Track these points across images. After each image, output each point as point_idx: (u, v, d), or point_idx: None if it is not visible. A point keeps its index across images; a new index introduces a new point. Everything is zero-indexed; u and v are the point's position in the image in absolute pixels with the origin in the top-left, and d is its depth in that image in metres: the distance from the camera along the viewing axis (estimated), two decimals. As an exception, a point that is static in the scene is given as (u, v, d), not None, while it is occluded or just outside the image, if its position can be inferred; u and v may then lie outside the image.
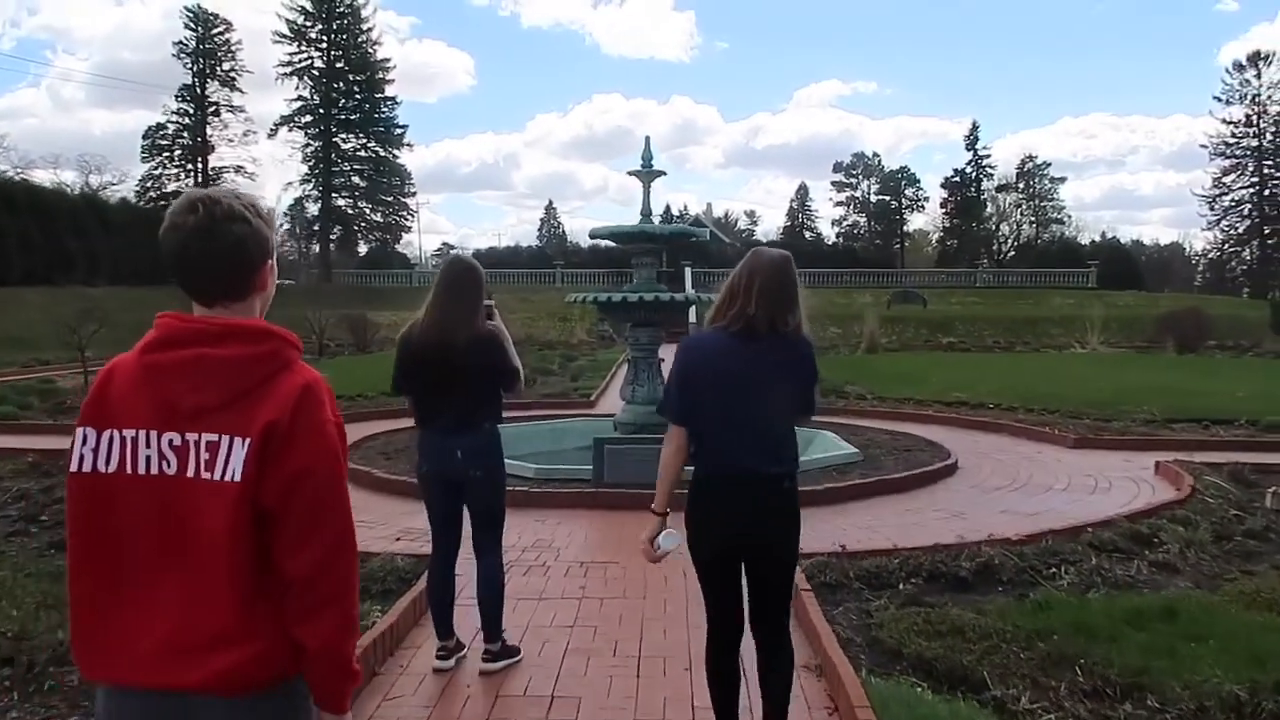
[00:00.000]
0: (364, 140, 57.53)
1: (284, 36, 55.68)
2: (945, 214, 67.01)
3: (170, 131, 54.99)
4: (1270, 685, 3.45)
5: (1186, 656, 3.75)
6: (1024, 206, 66.99)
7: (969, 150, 65.36)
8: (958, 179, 65.60)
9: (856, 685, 3.39)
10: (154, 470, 1.50)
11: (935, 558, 5.11)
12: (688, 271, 38.55)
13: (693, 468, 2.94)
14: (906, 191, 70.63)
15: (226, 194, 1.60)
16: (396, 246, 61.71)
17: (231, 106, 55.78)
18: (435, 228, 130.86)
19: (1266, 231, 58.16)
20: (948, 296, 41.10)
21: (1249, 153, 58.09)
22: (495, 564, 3.89)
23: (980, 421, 11.46)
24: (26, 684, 3.57)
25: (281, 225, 53.44)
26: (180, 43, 54.81)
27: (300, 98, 56.17)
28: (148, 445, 1.50)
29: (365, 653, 3.63)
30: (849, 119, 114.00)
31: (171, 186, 54.24)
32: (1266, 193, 58.02)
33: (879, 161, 73.35)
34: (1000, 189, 66.23)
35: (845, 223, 71.88)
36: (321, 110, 56.13)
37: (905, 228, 71.80)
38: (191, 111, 54.93)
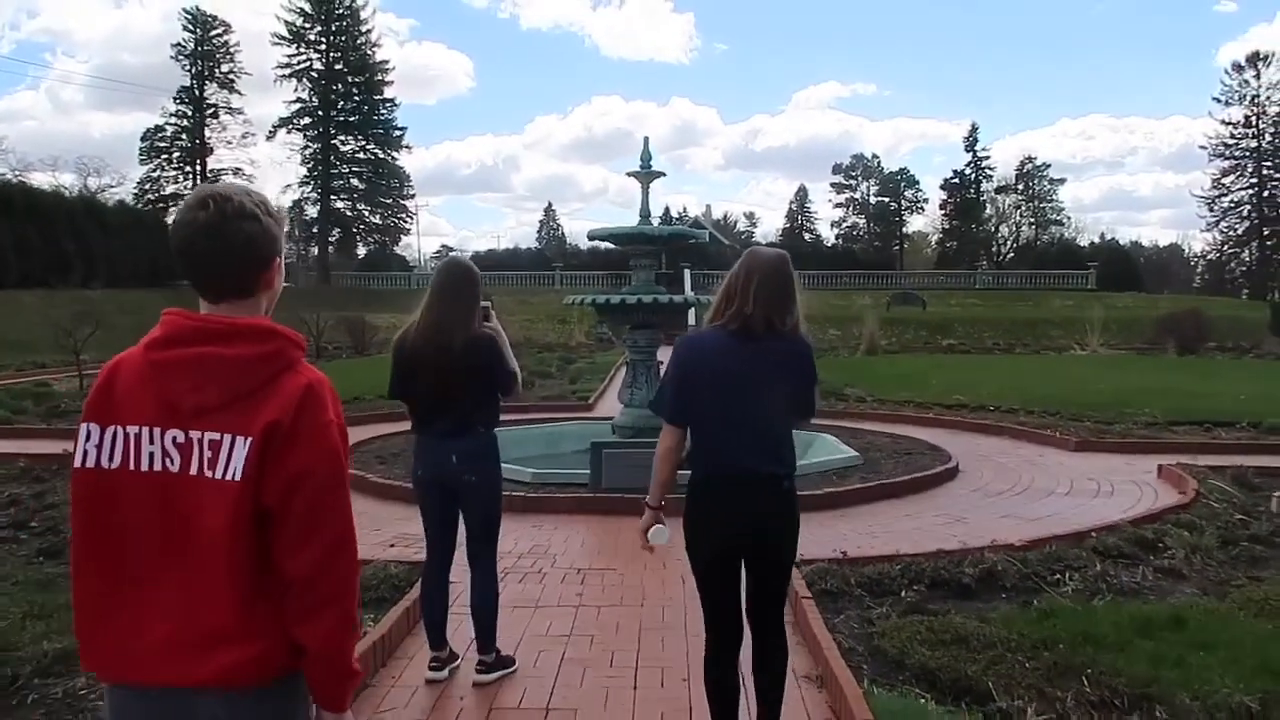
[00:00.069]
0: (363, 142, 57.53)
1: (283, 38, 55.76)
2: (944, 215, 67.01)
3: (168, 134, 55.08)
4: (1282, 696, 3.37)
5: (1195, 666, 3.68)
6: (1023, 208, 67.03)
7: (968, 152, 65.48)
8: (957, 180, 65.61)
9: (859, 697, 3.31)
10: (157, 467, 1.51)
11: (938, 564, 5.04)
12: (687, 274, 38.47)
13: (690, 470, 2.91)
14: (906, 193, 70.64)
15: (238, 191, 1.60)
16: (395, 249, 61.88)
17: (230, 109, 55.95)
18: (435, 230, 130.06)
19: (1266, 233, 58.15)
20: (947, 298, 41.09)
21: (1248, 154, 58.11)
22: (490, 574, 3.82)
23: (981, 424, 11.39)
24: (9, 697, 3.49)
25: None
26: (179, 45, 54.95)
27: (299, 100, 56.30)
28: (151, 442, 1.51)
29: (358, 661, 3.55)
30: (848, 121, 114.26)
31: (170, 189, 54.32)
32: (1265, 194, 58.04)
33: (878, 163, 73.45)
34: (999, 190, 66.30)
35: (844, 224, 71.93)
36: (320, 112, 56.12)
37: (904, 229, 71.86)
38: (190, 114, 54.95)
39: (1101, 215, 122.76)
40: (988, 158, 65.78)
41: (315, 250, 58.33)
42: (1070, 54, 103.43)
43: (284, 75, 55.85)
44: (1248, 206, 58.83)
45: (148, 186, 54.26)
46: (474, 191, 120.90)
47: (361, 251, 60.39)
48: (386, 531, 6.09)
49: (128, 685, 1.54)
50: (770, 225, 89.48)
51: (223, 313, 1.57)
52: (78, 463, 1.54)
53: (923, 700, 3.46)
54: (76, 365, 15.72)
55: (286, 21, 55.50)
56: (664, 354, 4.42)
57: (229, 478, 1.48)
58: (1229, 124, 57.81)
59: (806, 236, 70.64)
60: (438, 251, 69.03)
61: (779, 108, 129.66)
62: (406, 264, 58.53)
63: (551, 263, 52.41)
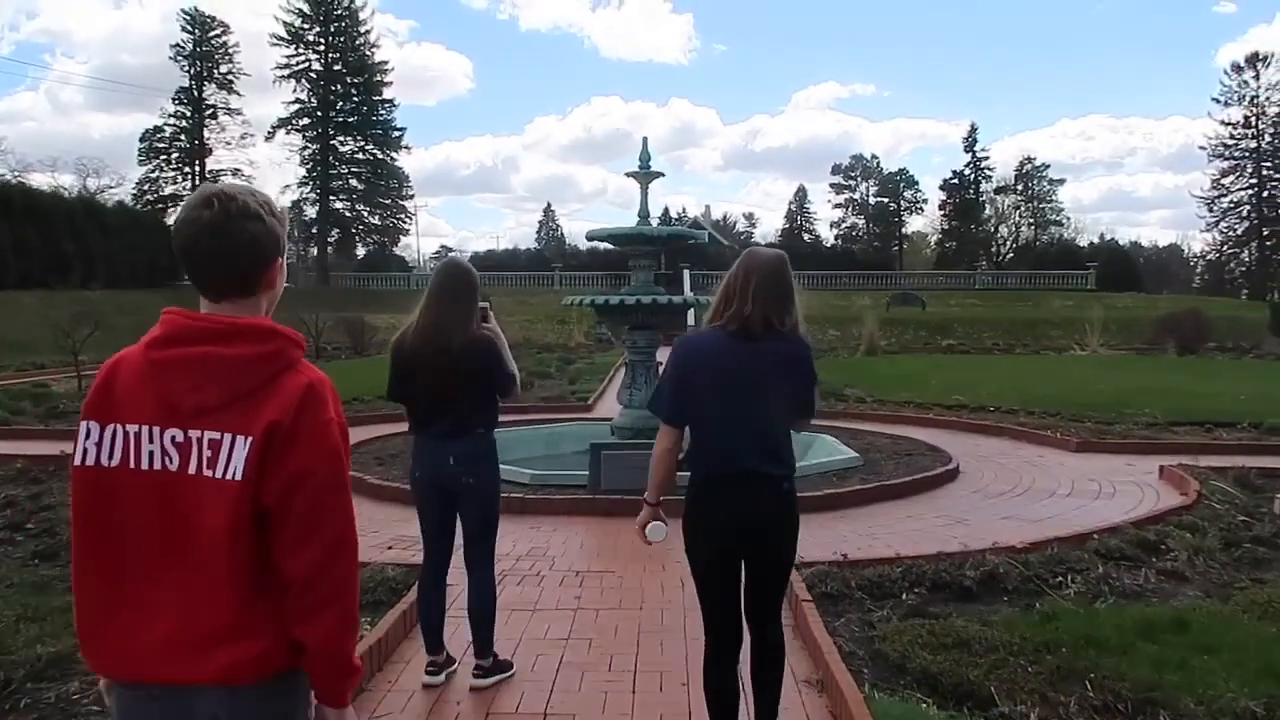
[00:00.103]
0: (362, 143, 57.46)
1: (281, 39, 55.71)
2: (944, 216, 66.95)
3: (167, 135, 55.05)
4: (1287, 701, 3.34)
5: (1199, 670, 3.65)
6: (1022, 208, 66.94)
7: (967, 152, 65.39)
8: (956, 181, 65.56)
9: (860, 702, 3.28)
10: (157, 466, 1.51)
11: (938, 566, 5.00)
12: (686, 274, 38.44)
13: (689, 471, 2.89)
14: (905, 193, 70.59)
15: (242, 190, 1.60)
16: (394, 249, 61.79)
17: (229, 109, 55.93)
18: (434, 230, 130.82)
19: (1265, 233, 58.14)
20: (946, 298, 41.06)
21: (1247, 154, 58.10)
22: (487, 578, 3.78)
23: (981, 425, 11.36)
24: (1, 701, 3.46)
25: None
26: (178, 45, 54.91)
27: (298, 100, 56.23)
28: (151, 441, 1.51)
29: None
30: (847, 121, 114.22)
31: (169, 190, 54.29)
32: (1265, 194, 58.02)
33: (877, 164, 73.38)
34: (999, 191, 66.21)
35: (844, 225, 71.86)
36: (319, 113, 56.08)
37: (904, 230, 71.81)
38: (189, 114, 54.91)
39: (1101, 216, 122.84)
40: (987, 158, 65.82)
41: (314, 251, 58.30)
42: (1070, 54, 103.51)
43: (283, 76, 55.88)
44: (1247, 207, 58.82)
45: (147, 187, 54.23)
46: (473, 192, 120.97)
47: (361, 252, 60.33)
48: (384, 533, 6.06)
49: (129, 683, 1.54)
50: (769, 226, 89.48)
51: (223, 312, 1.57)
52: (77, 460, 1.54)
53: (924, 705, 3.43)
54: (75, 366, 15.69)
55: (285, 22, 55.53)
56: (663, 355, 4.39)
57: (229, 477, 1.47)
58: (1228, 124, 57.86)
59: (806, 237, 70.57)
60: (437, 252, 69.08)
61: (778, 108, 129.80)
62: (406, 265, 58.48)
63: (550, 263, 52.32)
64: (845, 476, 7.90)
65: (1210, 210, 59.69)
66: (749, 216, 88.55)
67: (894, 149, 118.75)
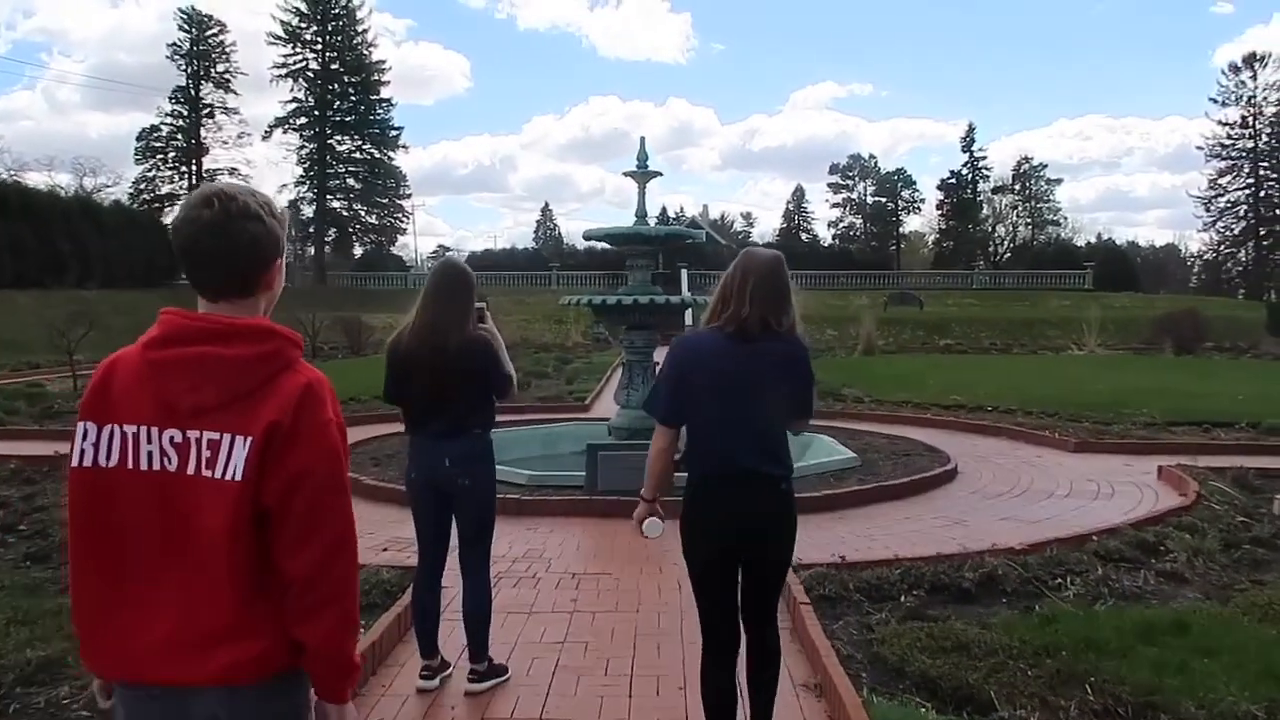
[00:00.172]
0: (359, 142, 57.33)
1: (278, 38, 55.55)
2: (941, 216, 66.92)
3: (164, 134, 54.89)
4: (1288, 705, 3.31)
5: (1199, 673, 3.62)
6: (1020, 208, 66.94)
7: (965, 152, 65.37)
8: (954, 181, 65.56)
9: (858, 706, 3.25)
10: (155, 466, 1.50)
11: (937, 568, 4.97)
12: (684, 274, 38.41)
13: (687, 472, 2.88)
14: (902, 193, 70.54)
15: (242, 191, 1.60)
16: (392, 249, 61.68)
17: (226, 108, 55.76)
18: (431, 230, 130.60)
19: (1262, 233, 58.23)
20: (944, 298, 41.06)
21: (1244, 154, 58.16)
22: (483, 582, 3.75)
23: (979, 425, 11.34)
24: (-9, 707, 3.42)
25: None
26: (174, 45, 54.77)
27: (295, 100, 56.05)
28: (149, 441, 1.51)
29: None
30: (845, 121, 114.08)
31: (165, 189, 54.17)
32: (1262, 194, 58.11)
33: (875, 163, 73.29)
34: (996, 191, 66.22)
35: (841, 224, 71.79)
36: (316, 112, 55.95)
37: (901, 229, 71.77)
38: (185, 114, 54.78)
39: (1098, 215, 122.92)
40: (984, 158, 65.79)
41: (311, 250, 58.17)
42: (1067, 55, 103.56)
43: (280, 75, 55.70)
44: (1244, 207, 58.89)
45: (143, 186, 54.04)
46: (471, 191, 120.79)
47: (358, 251, 60.23)
48: (379, 535, 6.02)
49: (129, 683, 1.54)
50: (767, 225, 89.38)
51: (221, 312, 1.57)
52: (74, 462, 1.53)
53: (924, 709, 3.39)
54: (70, 366, 15.63)
55: (282, 21, 55.37)
56: (661, 354, 4.36)
57: (229, 477, 1.47)
58: (1225, 125, 57.90)
59: (803, 236, 70.53)
60: (434, 251, 68.89)
61: (776, 108, 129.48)
62: (403, 264, 58.42)
63: (548, 263, 52.28)
64: (843, 477, 7.87)
65: (1207, 210, 59.81)
66: (747, 216, 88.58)
67: (891, 149, 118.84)
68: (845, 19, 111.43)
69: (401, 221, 60.90)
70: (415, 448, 3.77)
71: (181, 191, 53.41)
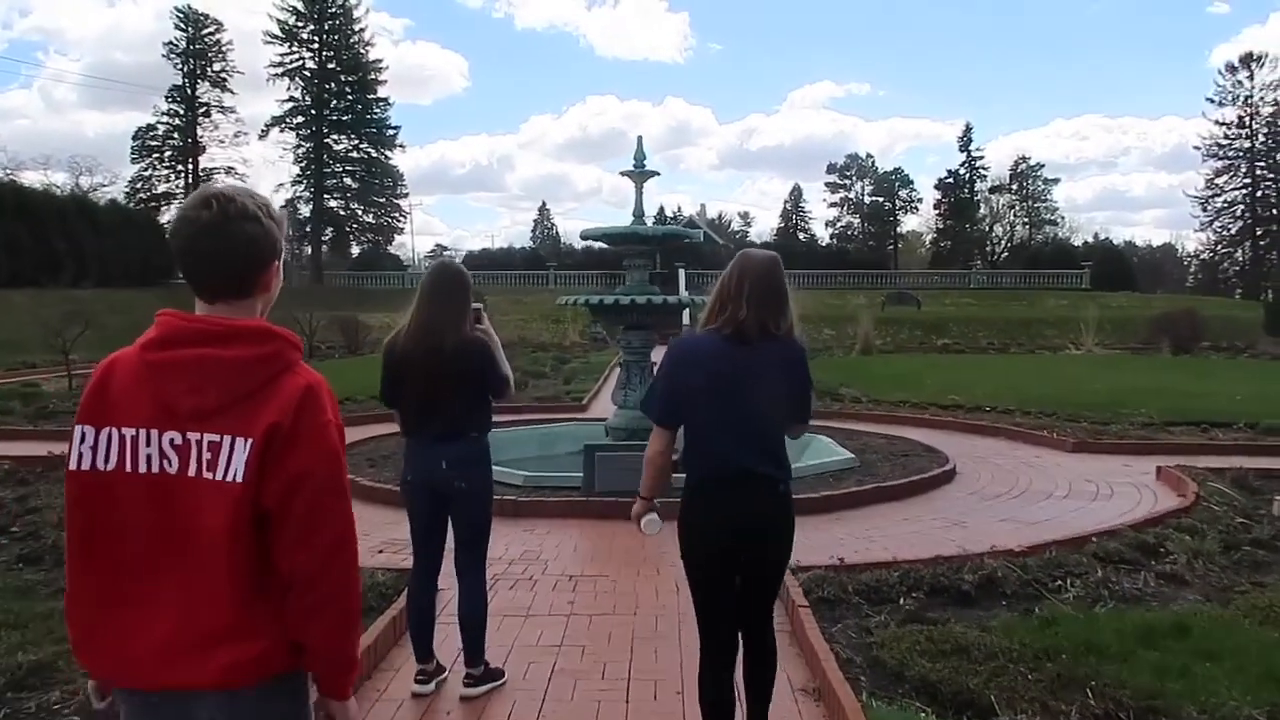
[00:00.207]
0: (356, 141, 57.25)
1: (275, 37, 55.43)
2: (939, 215, 67.00)
3: (160, 133, 54.82)
4: (1291, 709, 3.29)
5: (1200, 676, 3.60)
6: (1017, 208, 67.04)
7: (962, 152, 65.52)
8: (951, 180, 65.62)
9: (857, 710, 3.22)
10: (155, 469, 1.50)
11: (936, 570, 4.94)
12: (681, 274, 38.37)
13: (685, 474, 2.86)
14: (900, 193, 70.58)
15: (241, 192, 1.60)
16: (389, 248, 61.57)
17: (222, 107, 55.68)
18: (429, 229, 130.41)
19: (1259, 232, 58.35)
20: (941, 298, 41.07)
21: (1241, 154, 58.29)
22: (479, 585, 3.72)
23: (977, 425, 11.31)
24: (-20, 712, 3.38)
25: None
26: (171, 43, 54.64)
27: (292, 99, 55.95)
28: (148, 444, 1.50)
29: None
30: (843, 120, 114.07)
31: (162, 188, 54.12)
32: (1259, 194, 58.23)
33: (872, 163, 73.33)
34: (993, 190, 66.32)
35: (839, 224, 71.81)
36: (313, 111, 55.84)
37: (899, 229, 71.82)
38: (182, 112, 54.69)
39: (1095, 215, 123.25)
40: (982, 158, 65.93)
41: (308, 249, 58.05)
42: (1065, 55, 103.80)
43: (276, 74, 55.62)
44: (1241, 206, 59.01)
45: (140, 185, 53.95)
46: (468, 191, 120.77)
47: (355, 251, 60.15)
48: (375, 536, 5.98)
49: (127, 690, 1.54)
50: (765, 225, 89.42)
51: (219, 313, 1.56)
52: (72, 465, 1.53)
53: (923, 714, 3.36)
54: (66, 365, 15.57)
55: (279, 20, 55.27)
56: (658, 355, 4.33)
57: (230, 479, 1.47)
58: (1222, 124, 58.07)
59: (801, 236, 70.52)
60: (432, 251, 68.83)
61: (774, 107, 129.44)
62: (400, 263, 58.30)
63: (546, 262, 52.23)
64: (841, 478, 7.84)
65: (1204, 210, 59.93)
66: (744, 215, 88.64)
67: (889, 148, 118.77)
68: (843, 19, 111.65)
69: (399, 221, 60.89)
70: (412, 450, 3.74)
71: (178, 191, 53.33)
